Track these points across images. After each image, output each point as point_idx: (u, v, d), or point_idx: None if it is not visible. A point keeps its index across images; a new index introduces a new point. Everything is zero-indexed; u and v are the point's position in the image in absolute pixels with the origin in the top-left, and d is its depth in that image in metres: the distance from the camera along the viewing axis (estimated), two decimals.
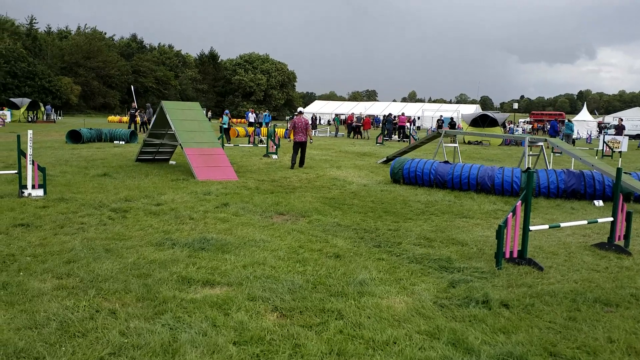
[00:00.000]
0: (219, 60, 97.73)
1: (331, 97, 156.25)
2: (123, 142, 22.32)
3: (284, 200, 9.61)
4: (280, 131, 31.19)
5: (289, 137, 31.15)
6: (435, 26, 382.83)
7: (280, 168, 15.14)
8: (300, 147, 15.51)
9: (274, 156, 18.17)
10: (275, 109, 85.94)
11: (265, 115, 40.94)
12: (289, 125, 18.46)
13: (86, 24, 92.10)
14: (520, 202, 5.90)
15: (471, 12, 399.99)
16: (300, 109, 19.19)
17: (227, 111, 30.56)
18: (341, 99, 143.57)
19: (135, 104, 28.68)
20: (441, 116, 42.42)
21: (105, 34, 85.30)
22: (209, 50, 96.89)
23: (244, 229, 7.18)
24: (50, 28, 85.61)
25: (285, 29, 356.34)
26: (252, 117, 37.90)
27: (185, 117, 13.19)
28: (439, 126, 37.04)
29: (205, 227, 7.27)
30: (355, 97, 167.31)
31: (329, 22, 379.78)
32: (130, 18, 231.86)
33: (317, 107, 74.27)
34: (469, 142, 32.94)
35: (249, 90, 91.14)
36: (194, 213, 8.11)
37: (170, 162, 15.20)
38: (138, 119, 29.99)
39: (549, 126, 37.89)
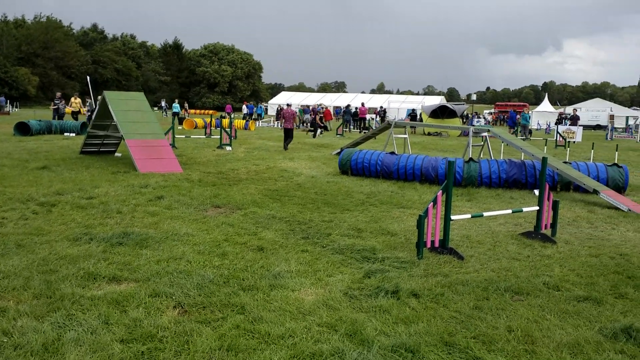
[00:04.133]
0: (183, 50, 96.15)
1: (300, 88, 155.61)
2: (73, 134, 21.73)
3: (224, 193, 9.47)
4: (239, 122, 30.95)
5: (248, 128, 30.99)
6: (406, 18, 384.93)
7: (230, 160, 14.95)
8: (288, 133, 19.37)
9: (228, 148, 17.96)
10: (241, 101, 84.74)
11: (260, 107, 46.40)
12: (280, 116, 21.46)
13: (41, 12, 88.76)
14: (441, 191, 5.90)
15: (443, 5, 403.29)
16: (288, 102, 22.58)
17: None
18: (310, 90, 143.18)
19: (59, 94, 27.00)
20: (381, 107, 43.21)
21: (60, 21, 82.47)
22: (172, 40, 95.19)
23: (171, 223, 7.02)
24: (6, 17, 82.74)
25: (252, 18, 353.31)
26: (245, 109, 43.08)
27: (129, 107, 12.88)
28: (382, 118, 37.80)
29: (131, 221, 7.09)
30: (324, 88, 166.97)
31: (298, 12, 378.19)
32: (92, 7, 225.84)
33: (284, 99, 73.43)
34: (429, 134, 33.20)
35: (213, 81, 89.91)
36: (123, 207, 7.91)
37: (116, 154, 14.86)
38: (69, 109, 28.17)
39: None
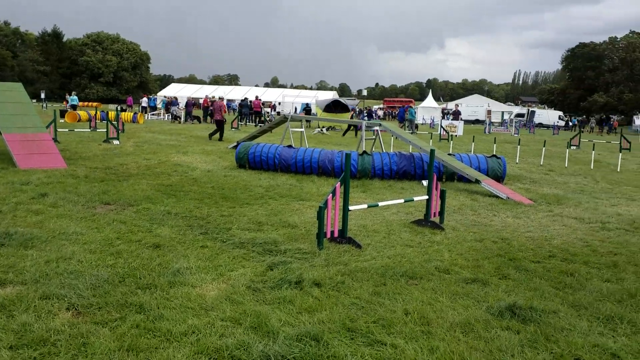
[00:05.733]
0: (64, 39, 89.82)
1: (191, 80, 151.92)
2: None
3: (114, 189, 9.04)
4: (126, 115, 29.65)
5: (137, 121, 29.74)
6: (298, 13, 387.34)
7: (119, 154, 14.27)
8: (218, 124, 20.60)
9: (115, 142, 17.12)
10: (127, 92, 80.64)
11: (163, 101, 46.89)
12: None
13: None
14: (339, 183, 6.05)
15: (335, 3, 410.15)
16: (219, 95, 22.86)
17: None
18: (202, 82, 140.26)
19: None
20: (256, 97, 43.24)
21: None
22: (52, 28, 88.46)
23: (57, 222, 6.59)
24: None
25: (139, 7, 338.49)
26: (144, 102, 41.97)
27: (5, 99, 11.87)
28: (248, 111, 37.38)
29: (12, 220, 6.57)
30: (216, 80, 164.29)
31: (188, 2, 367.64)
32: None
33: (174, 91, 71.03)
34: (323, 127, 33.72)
35: (97, 71, 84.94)
36: (3, 205, 7.30)
37: None
38: None
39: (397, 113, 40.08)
